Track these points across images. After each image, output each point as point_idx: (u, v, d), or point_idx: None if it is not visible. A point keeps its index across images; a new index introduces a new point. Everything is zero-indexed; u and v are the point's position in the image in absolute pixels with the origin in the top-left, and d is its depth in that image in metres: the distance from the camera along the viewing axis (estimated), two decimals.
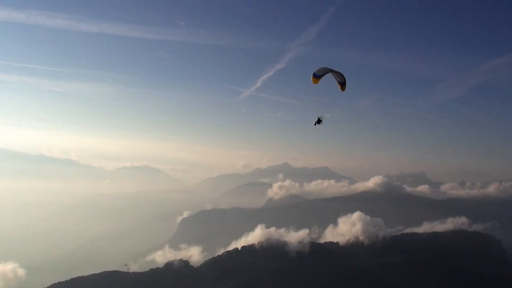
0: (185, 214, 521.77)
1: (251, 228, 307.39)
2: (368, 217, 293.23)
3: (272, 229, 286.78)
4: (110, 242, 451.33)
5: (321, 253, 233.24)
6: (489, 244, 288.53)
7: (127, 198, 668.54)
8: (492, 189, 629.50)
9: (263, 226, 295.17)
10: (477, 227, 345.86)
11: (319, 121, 66.74)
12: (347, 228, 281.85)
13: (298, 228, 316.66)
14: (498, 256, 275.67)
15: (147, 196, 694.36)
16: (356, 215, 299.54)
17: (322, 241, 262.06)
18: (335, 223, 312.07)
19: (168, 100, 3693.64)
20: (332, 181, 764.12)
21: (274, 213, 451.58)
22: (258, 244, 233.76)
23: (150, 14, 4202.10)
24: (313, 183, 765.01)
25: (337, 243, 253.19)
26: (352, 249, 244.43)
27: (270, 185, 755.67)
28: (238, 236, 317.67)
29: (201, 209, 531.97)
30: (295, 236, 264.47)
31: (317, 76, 59.87)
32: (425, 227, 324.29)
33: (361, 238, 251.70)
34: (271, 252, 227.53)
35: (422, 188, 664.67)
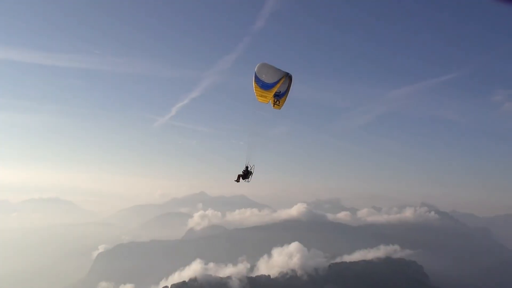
0: (101, 248, 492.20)
1: (175, 262, 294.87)
2: (302, 247, 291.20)
3: (202, 263, 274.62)
4: (18, 282, 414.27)
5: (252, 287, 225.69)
6: (414, 270, 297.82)
7: (36, 233, 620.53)
8: (408, 214, 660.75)
9: (197, 260, 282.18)
10: (402, 253, 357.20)
11: (246, 174, 47.45)
12: (281, 260, 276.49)
13: (226, 261, 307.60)
14: (421, 281, 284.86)
15: (59, 230, 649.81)
16: (293, 245, 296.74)
17: (254, 274, 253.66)
18: (265, 254, 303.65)
19: (79, 129, 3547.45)
20: (255, 210, 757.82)
21: (197, 245, 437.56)
22: (189, 280, 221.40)
23: (63, 42, 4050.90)
24: (236, 212, 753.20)
25: (269, 276, 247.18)
26: (287, 281, 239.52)
27: (189, 215, 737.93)
28: (162, 272, 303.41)
29: (118, 242, 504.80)
30: (228, 271, 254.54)
31: (269, 86, 39.40)
32: (354, 256, 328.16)
33: (297, 269, 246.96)
34: None
35: (342, 215, 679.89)
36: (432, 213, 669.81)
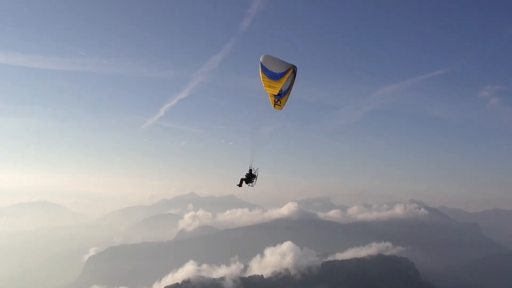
0: (92, 251, 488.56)
1: (167, 264, 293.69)
2: (295, 246, 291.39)
3: (195, 264, 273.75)
4: (8, 287, 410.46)
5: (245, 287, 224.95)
6: (405, 267, 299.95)
7: (26, 237, 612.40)
8: (398, 210, 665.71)
9: (190, 262, 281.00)
10: (393, 250, 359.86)
11: (250, 178, 45.67)
12: (274, 259, 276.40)
13: (219, 261, 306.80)
14: (413, 277, 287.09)
15: (49, 234, 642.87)
16: (286, 245, 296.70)
17: (247, 274, 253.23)
18: (257, 254, 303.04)
19: (67, 131, 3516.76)
20: (245, 210, 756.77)
21: (188, 246, 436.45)
22: (183, 282, 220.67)
23: (48, 44, 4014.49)
24: (227, 212, 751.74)
25: (262, 276, 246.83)
26: (280, 281, 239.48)
27: (179, 216, 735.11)
28: (155, 273, 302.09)
29: (109, 245, 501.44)
30: (221, 272, 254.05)
31: (278, 77, 38.30)
32: (346, 254, 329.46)
33: (290, 268, 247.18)
34: None
35: (333, 213, 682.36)
36: (422, 209, 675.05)
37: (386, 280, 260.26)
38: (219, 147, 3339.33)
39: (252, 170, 46.02)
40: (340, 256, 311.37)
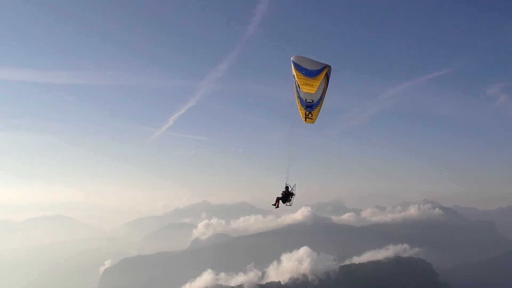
0: (107, 263, 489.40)
1: (184, 274, 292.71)
2: (311, 251, 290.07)
3: (212, 273, 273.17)
4: None
5: None
6: (422, 268, 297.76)
7: (41, 252, 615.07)
8: (413, 211, 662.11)
9: (208, 270, 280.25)
10: (410, 252, 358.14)
11: (286, 196, 42.02)
12: (291, 265, 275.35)
13: (235, 269, 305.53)
14: (431, 278, 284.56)
15: (64, 248, 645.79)
16: (302, 250, 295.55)
17: (265, 281, 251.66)
18: (274, 260, 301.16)
19: (77, 145, 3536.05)
20: (259, 216, 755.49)
21: (203, 255, 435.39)
22: None
23: (52, 58, 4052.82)
24: (241, 219, 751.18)
25: (279, 282, 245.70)
26: (298, 287, 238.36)
27: (193, 225, 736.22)
28: (171, 284, 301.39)
29: (124, 256, 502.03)
30: (239, 280, 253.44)
31: (315, 74, 34.95)
32: (363, 257, 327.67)
33: (307, 274, 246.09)
34: None
35: (347, 217, 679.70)
36: (437, 209, 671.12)
37: (404, 283, 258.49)
38: (229, 155, 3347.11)
39: (289, 187, 42.09)
40: (357, 260, 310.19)
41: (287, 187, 42.01)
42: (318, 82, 34.59)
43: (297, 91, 37.19)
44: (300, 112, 38.69)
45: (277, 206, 42.66)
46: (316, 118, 38.58)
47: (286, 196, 42.07)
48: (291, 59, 35.65)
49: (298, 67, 34.87)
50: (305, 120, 38.69)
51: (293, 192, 41.98)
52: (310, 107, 37.65)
